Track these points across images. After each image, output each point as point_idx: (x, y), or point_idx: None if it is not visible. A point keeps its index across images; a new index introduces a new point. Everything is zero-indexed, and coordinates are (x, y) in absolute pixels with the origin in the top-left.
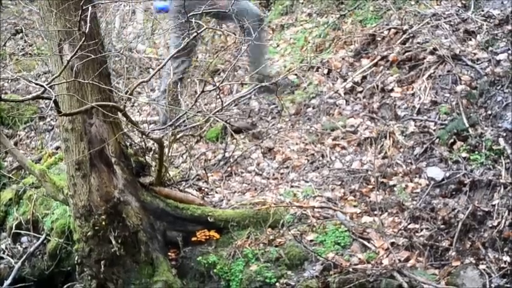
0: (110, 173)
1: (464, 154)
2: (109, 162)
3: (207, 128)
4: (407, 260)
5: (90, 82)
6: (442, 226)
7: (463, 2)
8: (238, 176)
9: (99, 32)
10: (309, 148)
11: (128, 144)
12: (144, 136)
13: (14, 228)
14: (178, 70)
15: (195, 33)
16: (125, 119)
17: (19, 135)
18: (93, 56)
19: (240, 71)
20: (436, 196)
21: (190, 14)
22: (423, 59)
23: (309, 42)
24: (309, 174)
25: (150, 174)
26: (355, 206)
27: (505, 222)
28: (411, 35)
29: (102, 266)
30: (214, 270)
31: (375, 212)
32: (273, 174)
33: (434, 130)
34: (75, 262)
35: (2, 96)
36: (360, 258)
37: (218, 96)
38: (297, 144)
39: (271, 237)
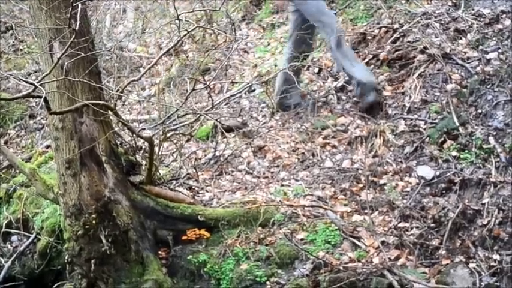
0: (100, 172)
1: (454, 153)
2: (99, 161)
3: (197, 127)
4: (397, 258)
5: (81, 80)
6: (432, 225)
7: (454, 1)
8: (229, 175)
9: (89, 30)
10: (300, 147)
11: (118, 143)
12: (134, 135)
13: (4, 227)
14: (299, 51)
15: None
16: (115, 117)
17: (9, 134)
18: (83, 54)
19: (230, 70)
20: (426, 195)
21: None
22: (414, 58)
23: None
24: (299, 173)
25: (140, 173)
26: (345, 205)
27: (495, 221)
28: (402, 33)
29: (93, 265)
30: (205, 269)
31: (365, 211)
32: (264, 173)
33: (424, 129)
34: (65, 261)
35: None
36: (350, 257)
37: (209, 95)
38: (287, 143)
39: (261, 236)
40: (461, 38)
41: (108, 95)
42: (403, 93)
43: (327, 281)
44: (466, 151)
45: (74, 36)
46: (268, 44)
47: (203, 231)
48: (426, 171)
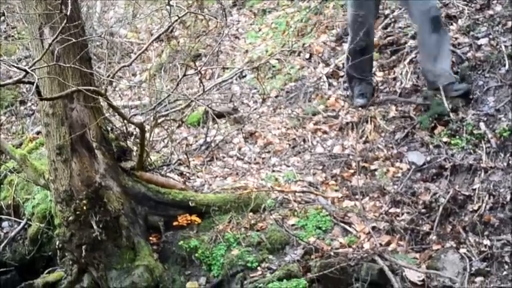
0: (91, 158)
1: (445, 139)
2: (90, 147)
3: (188, 113)
4: (388, 244)
5: (71, 66)
6: (423, 210)
7: None
8: (220, 161)
9: (80, 15)
10: (291, 133)
11: (109, 128)
12: (125, 121)
13: None
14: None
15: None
16: (106, 103)
17: (0, 120)
18: (74, 40)
19: (221, 56)
20: (417, 180)
21: None
22: (405, 44)
23: (290, 27)
24: (290, 158)
25: (131, 159)
26: (336, 191)
27: (485, 206)
28: (393, 19)
29: (84, 251)
30: (196, 255)
31: (356, 197)
32: (255, 159)
33: (415, 115)
34: (56, 247)
35: None
36: (341, 243)
37: (200, 81)
38: (278, 128)
39: (252, 221)
40: (452, 24)
41: (99, 80)
42: (394, 79)
43: (318, 267)
44: (457, 137)
45: (64, 21)
46: (260, 30)
47: (194, 217)
48: (417, 157)
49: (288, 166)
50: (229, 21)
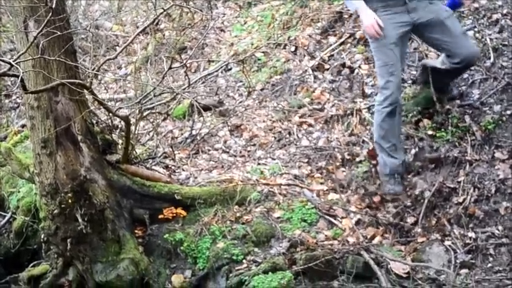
0: (76, 151)
1: (430, 131)
2: (75, 140)
3: (174, 106)
4: (373, 237)
5: (56, 59)
6: (408, 203)
7: None
8: (205, 154)
9: (64, 8)
10: (276, 125)
11: (94, 122)
12: (110, 114)
13: None
14: None
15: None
16: (91, 96)
17: None
18: (59, 33)
19: (207, 49)
20: None
21: None
22: None
23: (276, 20)
24: (276, 151)
25: (116, 152)
26: (321, 183)
27: (470, 199)
28: None
29: (69, 244)
30: (181, 248)
31: (341, 190)
32: (240, 152)
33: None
34: (42, 240)
35: None
36: (326, 235)
37: (185, 74)
38: (264, 121)
39: (238, 214)
40: None
41: (84, 73)
42: None
43: (303, 259)
44: (442, 130)
45: (49, 14)
46: (245, 23)
47: (180, 210)
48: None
49: (274, 159)
50: (215, 14)
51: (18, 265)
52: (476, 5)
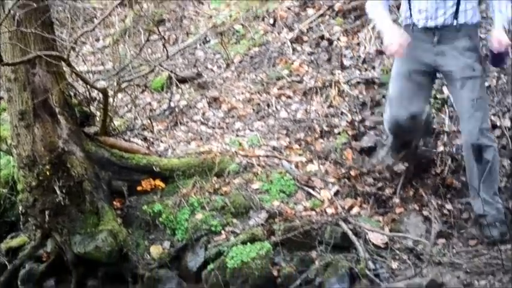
0: (53, 123)
1: None
2: (53, 112)
3: (152, 78)
4: (351, 207)
5: (33, 31)
6: (386, 174)
7: None
8: (184, 126)
9: None
10: (255, 97)
11: (72, 94)
12: (88, 86)
13: None
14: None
15: None
16: (68, 68)
17: None
18: (35, 5)
19: (185, 21)
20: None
21: None
22: None
23: None
24: (254, 123)
25: (94, 124)
26: (300, 155)
27: (448, 170)
28: None
29: (47, 216)
30: (160, 219)
31: (320, 161)
32: (219, 124)
33: (378, 79)
34: (20, 212)
35: None
36: (305, 206)
37: (163, 46)
38: (242, 93)
39: (216, 186)
40: None
41: (61, 46)
42: (358, 44)
43: (282, 230)
44: None
45: None
46: None
47: (158, 182)
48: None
49: (252, 131)
50: None
51: None
52: None
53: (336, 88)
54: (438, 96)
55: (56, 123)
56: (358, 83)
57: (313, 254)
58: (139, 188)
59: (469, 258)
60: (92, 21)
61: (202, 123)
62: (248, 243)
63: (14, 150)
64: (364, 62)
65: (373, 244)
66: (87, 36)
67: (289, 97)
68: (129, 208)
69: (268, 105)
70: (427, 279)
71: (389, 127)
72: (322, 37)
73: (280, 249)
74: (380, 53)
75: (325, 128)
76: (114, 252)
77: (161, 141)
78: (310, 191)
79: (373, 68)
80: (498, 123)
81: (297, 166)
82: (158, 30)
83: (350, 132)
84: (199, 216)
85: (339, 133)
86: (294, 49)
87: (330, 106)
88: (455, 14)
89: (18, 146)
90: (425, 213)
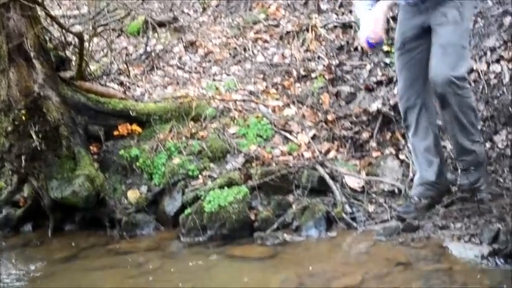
0: (29, 68)
1: (385, 47)
2: (28, 57)
3: (128, 22)
4: (328, 151)
5: None
6: (363, 118)
7: None
8: (160, 70)
9: None
10: (231, 42)
11: (47, 38)
12: (63, 30)
13: None
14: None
15: None
16: (43, 12)
17: None
18: None
19: None
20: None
21: None
22: None
23: None
24: (231, 67)
25: (70, 68)
26: (277, 99)
27: None
28: None
29: (23, 161)
30: (137, 164)
31: (297, 105)
32: (195, 68)
33: (355, 23)
34: None
35: None
36: (282, 151)
37: None
38: (219, 38)
39: (193, 130)
40: None
41: None
42: None
43: (259, 174)
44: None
45: None
46: None
47: (135, 126)
48: (357, 65)
49: (229, 75)
50: None
51: None
52: None
53: (313, 32)
54: None
55: (31, 67)
56: (335, 27)
57: (290, 198)
58: (116, 133)
59: (444, 205)
60: None
61: (178, 67)
62: (225, 188)
63: None
64: (341, 5)
65: (349, 188)
66: None
67: (265, 41)
68: (106, 153)
69: (244, 50)
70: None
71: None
72: None
73: (258, 193)
74: None
75: (302, 72)
76: (91, 197)
77: (137, 86)
78: (287, 135)
79: (350, 12)
80: (474, 67)
81: (274, 110)
82: None
83: (327, 77)
84: (176, 160)
85: (315, 77)
86: None
87: (307, 50)
88: None
89: None
90: (401, 157)
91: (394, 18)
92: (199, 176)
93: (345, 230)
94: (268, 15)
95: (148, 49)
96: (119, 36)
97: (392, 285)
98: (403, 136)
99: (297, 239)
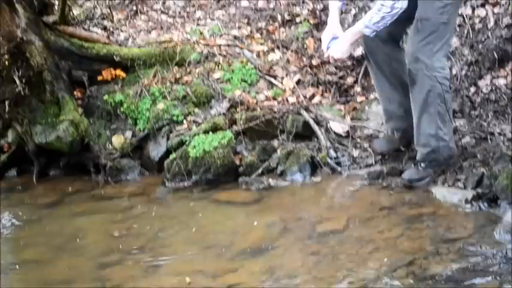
0: (11, 12)
1: None
2: (10, 1)
3: None
4: (313, 96)
5: None
6: (347, 63)
7: None
8: (144, 15)
9: None
10: None
11: None
12: None
13: None
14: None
15: None
16: None
17: None
18: None
19: None
20: None
21: None
22: None
23: None
24: (215, 12)
25: (53, 13)
26: (261, 44)
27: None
28: None
29: (7, 106)
30: (121, 109)
31: (281, 50)
32: (179, 13)
33: None
34: None
35: None
36: (266, 96)
37: None
38: None
39: (177, 75)
40: None
41: None
42: None
43: (244, 119)
44: None
45: None
46: None
47: (119, 71)
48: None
49: (213, 20)
50: None
51: None
52: None
53: None
54: None
55: (13, 12)
56: None
57: (275, 142)
58: (99, 78)
59: None
60: None
61: (162, 12)
62: (210, 133)
63: None
64: None
65: (334, 133)
66: None
67: None
68: (90, 98)
69: None
70: (388, 166)
71: None
72: None
73: (242, 138)
74: None
75: (287, 17)
76: (75, 142)
77: (121, 31)
78: (272, 80)
79: None
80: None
81: (258, 55)
82: None
83: (312, 21)
84: (160, 105)
85: (300, 22)
86: None
87: None
88: None
89: None
90: None
91: None
92: (184, 121)
93: (329, 174)
94: None
95: None
96: None
97: (377, 229)
98: None
99: (281, 183)
